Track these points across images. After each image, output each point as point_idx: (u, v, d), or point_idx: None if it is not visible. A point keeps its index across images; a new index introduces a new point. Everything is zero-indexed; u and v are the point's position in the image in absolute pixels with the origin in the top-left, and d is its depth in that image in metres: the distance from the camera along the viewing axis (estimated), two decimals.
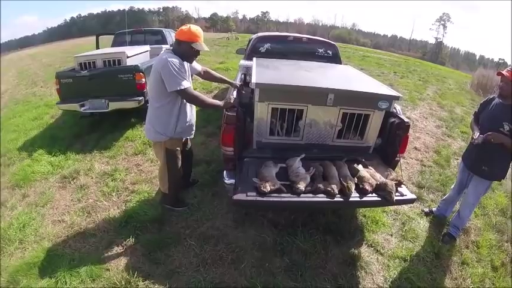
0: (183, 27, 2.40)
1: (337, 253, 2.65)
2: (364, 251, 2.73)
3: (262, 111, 2.61)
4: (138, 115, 5.03)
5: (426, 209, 3.45)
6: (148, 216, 2.89)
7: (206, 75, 2.98)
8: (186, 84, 2.35)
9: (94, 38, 7.24)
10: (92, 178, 3.65)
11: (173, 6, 65.95)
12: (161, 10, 64.49)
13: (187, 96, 2.42)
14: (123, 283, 2.26)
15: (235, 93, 2.80)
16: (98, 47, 6.93)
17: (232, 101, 2.53)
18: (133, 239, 2.65)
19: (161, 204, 3.02)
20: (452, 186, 3.23)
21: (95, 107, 4.77)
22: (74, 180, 3.59)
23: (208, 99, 2.63)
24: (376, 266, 2.61)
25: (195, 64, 2.73)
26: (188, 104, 2.62)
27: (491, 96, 2.82)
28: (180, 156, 2.75)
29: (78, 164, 3.97)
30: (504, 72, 2.50)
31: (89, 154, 4.22)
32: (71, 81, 4.78)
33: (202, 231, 2.78)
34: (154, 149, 2.82)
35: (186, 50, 2.42)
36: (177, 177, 2.82)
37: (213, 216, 2.96)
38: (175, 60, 2.32)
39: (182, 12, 64.33)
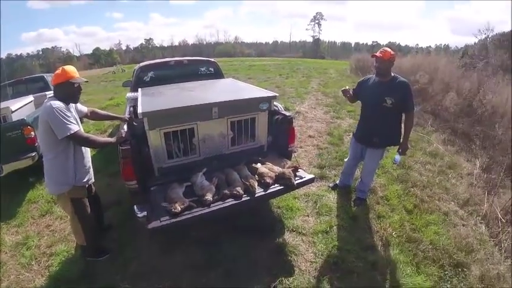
0: (57, 72, 2.38)
1: (264, 247, 2.83)
2: (288, 237, 2.98)
3: (155, 138, 2.68)
4: (35, 172, 4.54)
5: (331, 184, 3.85)
6: (75, 275, 2.69)
7: (93, 116, 2.94)
8: (75, 127, 2.31)
9: None
10: (6, 253, 3.20)
11: (52, 47, 59.73)
12: (41, 53, 58.02)
13: (78, 139, 2.37)
14: None
15: (125, 127, 2.82)
16: None
17: (123, 135, 2.55)
18: None
19: (83, 258, 2.84)
20: (346, 159, 3.63)
21: None
22: None
23: (100, 138, 2.63)
24: (303, 246, 2.87)
25: (80, 107, 2.69)
26: (82, 148, 2.57)
27: (368, 76, 3.20)
28: (88, 204, 2.65)
29: None
30: (377, 54, 2.88)
31: None
32: None
33: (132, 271, 2.70)
34: (59, 203, 2.67)
35: (68, 90, 2.39)
36: (91, 226, 2.71)
37: (138, 253, 2.90)
38: (60, 105, 2.27)
39: (63, 52, 58.42)
